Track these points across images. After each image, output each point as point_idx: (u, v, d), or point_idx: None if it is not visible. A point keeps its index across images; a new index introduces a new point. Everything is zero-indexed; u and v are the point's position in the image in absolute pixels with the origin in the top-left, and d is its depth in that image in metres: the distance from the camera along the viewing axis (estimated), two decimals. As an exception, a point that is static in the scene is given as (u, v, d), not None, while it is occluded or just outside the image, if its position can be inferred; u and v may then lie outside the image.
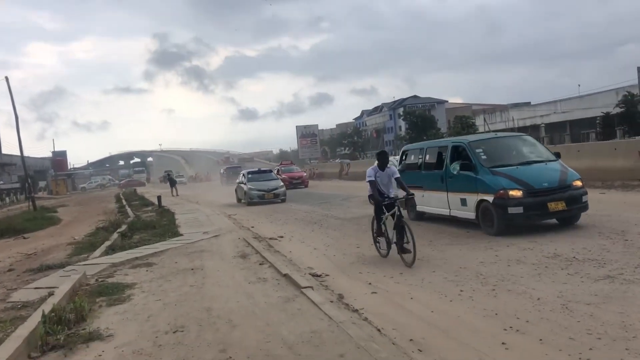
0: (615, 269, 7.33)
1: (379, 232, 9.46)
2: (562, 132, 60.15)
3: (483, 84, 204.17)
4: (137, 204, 30.46)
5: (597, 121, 53.84)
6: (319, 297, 6.62)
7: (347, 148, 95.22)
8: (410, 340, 5.23)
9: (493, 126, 66.40)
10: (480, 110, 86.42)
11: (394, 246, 9.12)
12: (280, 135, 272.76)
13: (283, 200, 24.16)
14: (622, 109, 52.11)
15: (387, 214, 9.17)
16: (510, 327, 5.46)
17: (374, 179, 9.29)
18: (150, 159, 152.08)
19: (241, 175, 27.04)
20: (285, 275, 7.90)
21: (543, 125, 61.45)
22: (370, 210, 10.71)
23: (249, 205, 23.59)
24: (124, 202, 32.64)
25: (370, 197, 9.64)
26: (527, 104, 73.86)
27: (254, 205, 23.45)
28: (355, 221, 15.10)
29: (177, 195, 38.07)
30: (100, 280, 8.90)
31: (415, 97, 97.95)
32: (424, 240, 10.93)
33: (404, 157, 14.66)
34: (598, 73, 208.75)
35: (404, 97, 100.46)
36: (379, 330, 5.42)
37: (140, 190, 53.06)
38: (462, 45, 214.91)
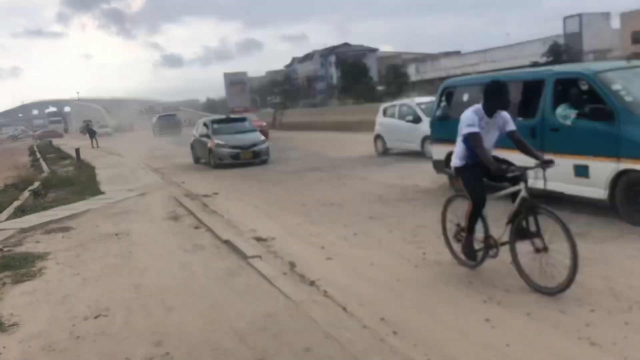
0: (581, 225, 6.91)
1: (470, 229, 5.47)
2: (491, 82, 60.98)
3: (413, 32, 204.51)
4: (52, 158, 28.22)
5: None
6: (269, 269, 5.78)
7: (278, 97, 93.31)
8: (382, 319, 4.51)
9: (425, 75, 66.54)
10: (410, 59, 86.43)
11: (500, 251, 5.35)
12: (207, 83, 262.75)
13: (265, 161, 17.56)
14: (550, 59, 53.31)
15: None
16: (490, 299, 4.85)
17: (478, 129, 5.20)
18: (67, 108, 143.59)
19: (201, 125, 19.63)
20: (226, 242, 6.97)
21: (474, 74, 62.15)
22: (311, 163, 9.88)
23: (215, 168, 17.22)
24: (38, 155, 30.23)
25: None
26: (457, 52, 74.29)
27: (223, 168, 17.06)
28: (296, 175, 14.27)
29: (98, 147, 35.77)
30: (5, 249, 7.65)
31: (346, 44, 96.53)
32: (372, 195, 10.30)
33: (445, 97, 10.16)
34: (525, 23, 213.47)
35: (335, 44, 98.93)
36: (344, 308, 4.66)
37: (57, 142, 49.50)
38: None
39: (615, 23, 53.71)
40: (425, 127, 13.21)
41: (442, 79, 54.87)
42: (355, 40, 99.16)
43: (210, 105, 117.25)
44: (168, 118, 50.10)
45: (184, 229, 8.21)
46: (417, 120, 15.62)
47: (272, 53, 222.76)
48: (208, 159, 17.96)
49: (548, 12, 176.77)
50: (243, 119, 20.48)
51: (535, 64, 54.57)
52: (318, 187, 12.06)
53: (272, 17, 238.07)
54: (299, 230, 8.08)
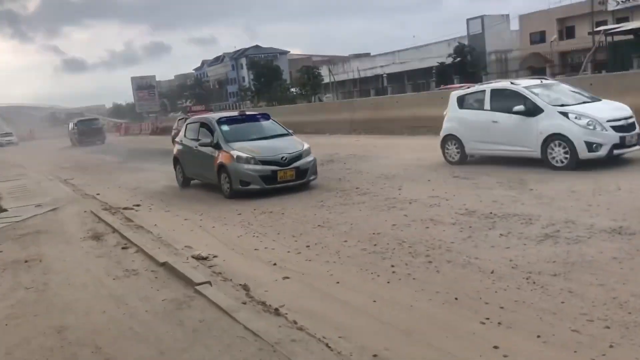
0: (547, 225, 6.49)
1: None
2: (401, 83, 62.16)
3: (321, 35, 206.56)
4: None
5: (433, 71, 56.34)
6: (222, 297, 4.82)
7: (189, 100, 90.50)
8: (375, 356, 3.73)
9: (337, 77, 66.79)
10: (320, 61, 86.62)
11: None
12: (113, 89, 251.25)
13: (308, 183, 10.97)
14: (455, 59, 55.04)
15: None
16: (487, 319, 4.21)
17: None
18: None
19: (190, 127, 12.74)
20: (164, 265, 5.92)
21: (385, 75, 63.07)
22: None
23: (229, 198, 10.59)
24: None
25: None
26: (367, 54, 75.33)
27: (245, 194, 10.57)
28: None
29: (-5, 158, 32.64)
30: None
31: (257, 47, 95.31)
32: (314, 201, 9.52)
33: None
34: (427, 25, 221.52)
35: (246, 47, 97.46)
36: (327, 345, 3.83)
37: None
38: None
39: (514, 25, 56.28)
40: (548, 121, 9.90)
41: (354, 80, 55.42)
42: (264, 43, 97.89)
43: (117, 111, 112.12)
44: (88, 123, 41.43)
45: (110, 250, 7.02)
46: (532, 111, 10.16)
47: (181, 56, 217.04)
48: (216, 180, 11.05)
49: (448, 14, 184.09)
50: (266, 116, 12.56)
51: (442, 64, 56.36)
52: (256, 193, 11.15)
53: (179, 20, 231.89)
54: (242, 244, 7.16)
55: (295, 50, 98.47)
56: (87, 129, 39.84)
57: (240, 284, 5.41)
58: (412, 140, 17.65)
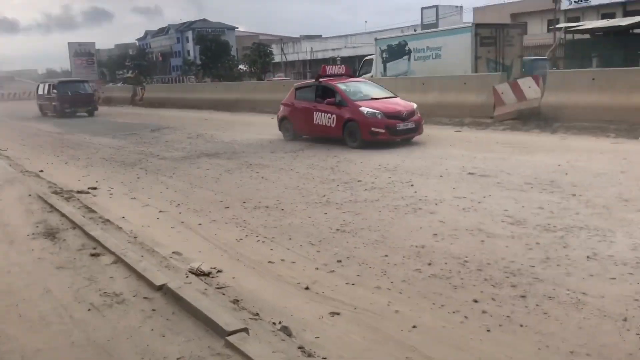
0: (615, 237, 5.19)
1: None
2: (353, 66, 60.86)
3: (269, 14, 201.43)
4: None
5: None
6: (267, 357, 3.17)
7: (130, 71, 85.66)
8: None
9: (288, 57, 64.70)
10: (269, 40, 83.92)
11: None
12: (48, 53, 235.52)
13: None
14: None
15: None
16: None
17: None
18: None
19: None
20: (161, 288, 4.15)
21: (339, 58, 61.48)
22: (207, 147, 7.25)
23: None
24: None
25: None
26: (319, 36, 73.46)
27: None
28: (192, 163, 11.36)
29: None
30: None
31: (204, 20, 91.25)
32: (315, 195, 7.89)
33: None
34: (376, 13, 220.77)
35: (192, 20, 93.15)
36: None
37: None
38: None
39: (467, 17, 55.92)
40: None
41: (305, 62, 53.45)
42: (211, 17, 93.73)
43: (51, 76, 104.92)
44: (74, 87, 28.97)
45: (73, 256, 5.13)
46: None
47: (123, 25, 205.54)
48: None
49: (398, 3, 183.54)
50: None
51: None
52: (229, 180, 9.39)
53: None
54: (247, 253, 5.48)
55: (242, 28, 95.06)
56: (72, 94, 27.79)
57: (274, 322, 3.78)
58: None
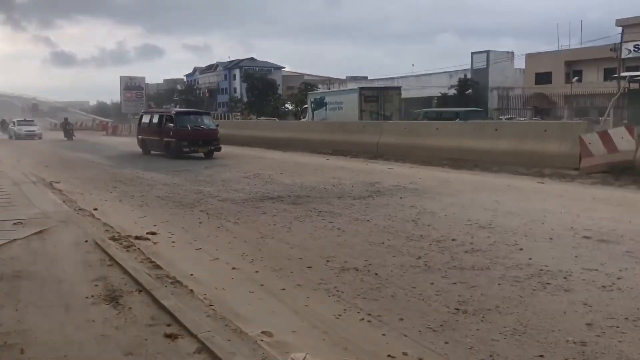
0: None
1: None
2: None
3: (314, 55, 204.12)
4: None
5: (435, 100, 54.38)
6: None
7: (178, 105, 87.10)
8: None
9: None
10: (313, 80, 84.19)
11: None
12: (100, 86, 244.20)
13: None
14: (458, 91, 53.26)
15: None
16: None
17: None
18: None
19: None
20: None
21: (386, 100, 60.91)
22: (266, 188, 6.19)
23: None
24: None
25: None
26: (365, 78, 73.19)
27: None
28: (255, 206, 10.36)
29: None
30: None
31: (252, 59, 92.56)
32: (410, 257, 6.71)
33: None
34: (419, 57, 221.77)
35: (240, 58, 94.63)
36: None
37: None
38: (296, 14, 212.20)
39: (519, 63, 54.84)
40: None
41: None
42: (258, 56, 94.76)
43: (102, 109, 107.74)
44: (195, 120, 22.71)
45: (143, 333, 4.03)
46: None
47: (173, 61, 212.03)
48: None
49: (441, 48, 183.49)
50: None
51: (444, 95, 54.47)
52: (302, 230, 8.31)
53: (174, 25, 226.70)
54: (354, 338, 4.31)
55: (287, 68, 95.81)
56: (193, 130, 21.43)
57: None
58: (461, 174, 14.98)
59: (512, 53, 55.50)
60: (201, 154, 21.52)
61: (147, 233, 8.03)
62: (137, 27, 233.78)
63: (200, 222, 8.97)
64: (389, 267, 6.27)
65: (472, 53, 56.69)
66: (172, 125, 21.23)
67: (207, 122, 22.76)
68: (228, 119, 67.16)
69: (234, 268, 6.28)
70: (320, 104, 34.42)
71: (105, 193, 12.30)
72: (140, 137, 23.85)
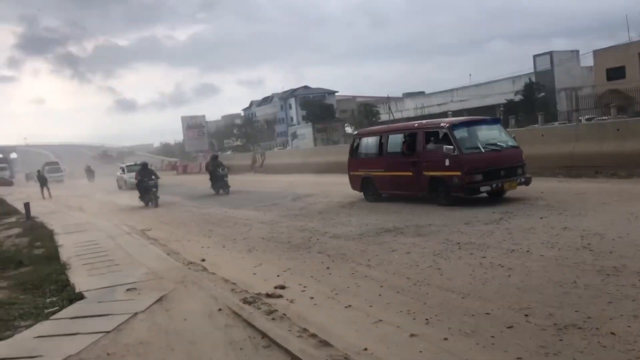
0: None
1: None
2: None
3: (363, 77, 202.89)
4: (-6, 213, 21.51)
5: (501, 108, 51.79)
6: None
7: (238, 139, 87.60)
8: None
9: (395, 115, 62.80)
10: (365, 101, 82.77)
11: None
12: (161, 128, 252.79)
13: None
14: (524, 96, 50.56)
15: None
16: None
17: None
18: (13, 154, 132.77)
19: None
20: None
21: (450, 112, 58.69)
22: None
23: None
24: (-24, 211, 23.33)
25: None
26: (422, 93, 71.19)
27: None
28: (376, 241, 8.91)
29: (50, 197, 29.14)
30: None
31: (306, 87, 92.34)
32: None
33: None
34: (470, 67, 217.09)
35: (294, 87, 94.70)
36: None
37: (1, 192, 41.75)
38: (342, 39, 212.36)
39: (585, 61, 51.66)
40: None
41: (410, 119, 50.78)
42: (310, 84, 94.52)
43: (166, 149, 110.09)
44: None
45: None
46: None
47: (229, 97, 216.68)
48: None
49: (492, 56, 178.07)
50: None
51: (510, 102, 51.81)
52: (453, 270, 6.83)
53: (226, 63, 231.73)
54: None
55: (339, 91, 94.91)
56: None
57: None
58: (588, 184, 13.02)
59: (577, 52, 52.36)
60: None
61: (275, 287, 6.70)
62: (192, 68, 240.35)
63: (327, 268, 7.57)
64: (619, 320, 4.64)
65: (534, 56, 53.90)
66: (450, 147, 11.87)
67: (503, 136, 12.79)
68: (286, 147, 66.66)
69: (412, 335, 4.79)
70: (294, 135, 52.18)
71: (203, 238, 11.17)
72: (359, 173, 14.71)
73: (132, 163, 32.70)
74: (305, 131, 46.95)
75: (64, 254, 9.48)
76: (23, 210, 17.83)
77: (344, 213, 12.67)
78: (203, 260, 8.66)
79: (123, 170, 31.81)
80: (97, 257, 8.94)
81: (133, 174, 23.19)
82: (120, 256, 8.93)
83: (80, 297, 6.43)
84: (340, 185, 19.38)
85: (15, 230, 14.54)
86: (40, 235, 12.72)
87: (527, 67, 55.29)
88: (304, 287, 6.71)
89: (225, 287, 6.58)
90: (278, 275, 7.36)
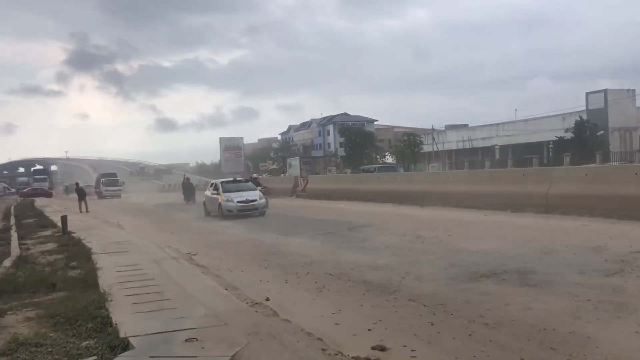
0: None
1: None
2: (506, 156, 55.48)
3: (401, 107, 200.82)
4: (30, 225, 20.45)
5: (550, 145, 49.54)
6: None
7: (275, 162, 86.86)
8: None
9: (440, 146, 60.97)
10: (401, 132, 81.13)
11: None
12: (198, 148, 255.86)
13: None
14: (573, 134, 48.29)
15: None
16: None
17: None
18: (54, 167, 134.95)
19: None
20: None
21: (497, 146, 56.58)
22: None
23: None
24: (12, 221, 22.42)
25: None
26: (465, 126, 69.24)
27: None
28: (478, 291, 7.23)
29: (88, 211, 28.21)
30: None
31: (345, 114, 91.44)
32: None
33: None
34: (510, 103, 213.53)
35: (332, 114, 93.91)
36: None
37: (40, 202, 41.31)
38: (382, 70, 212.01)
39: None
40: None
41: (452, 151, 48.98)
42: (347, 111, 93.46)
43: (202, 169, 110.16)
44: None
45: None
46: None
47: (267, 121, 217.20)
48: None
49: (532, 94, 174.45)
50: None
51: (560, 139, 49.52)
52: (604, 336, 5.11)
53: (266, 87, 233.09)
54: None
55: (377, 120, 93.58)
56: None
57: None
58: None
59: (634, 90, 49.93)
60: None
61: (373, 348, 5.11)
62: (232, 92, 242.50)
63: (431, 324, 5.92)
64: None
65: (587, 93, 51.63)
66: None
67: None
68: (324, 173, 65.40)
69: None
70: (289, 165, 62.22)
71: (259, 270, 9.66)
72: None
73: (230, 179, 23.80)
74: (295, 163, 60.69)
75: (104, 280, 8.06)
76: (59, 224, 16.67)
77: (416, 250, 11.00)
78: (267, 299, 7.11)
79: (216, 187, 21.69)
80: (142, 287, 7.47)
81: (237, 195, 19.75)
82: (169, 288, 7.44)
83: (125, 344, 4.93)
84: (396, 216, 17.72)
85: (50, 246, 13.29)
86: (76, 253, 11.39)
87: (577, 105, 52.93)
88: (412, 350, 5.10)
89: (312, 344, 5.00)
90: (369, 330, 5.77)
